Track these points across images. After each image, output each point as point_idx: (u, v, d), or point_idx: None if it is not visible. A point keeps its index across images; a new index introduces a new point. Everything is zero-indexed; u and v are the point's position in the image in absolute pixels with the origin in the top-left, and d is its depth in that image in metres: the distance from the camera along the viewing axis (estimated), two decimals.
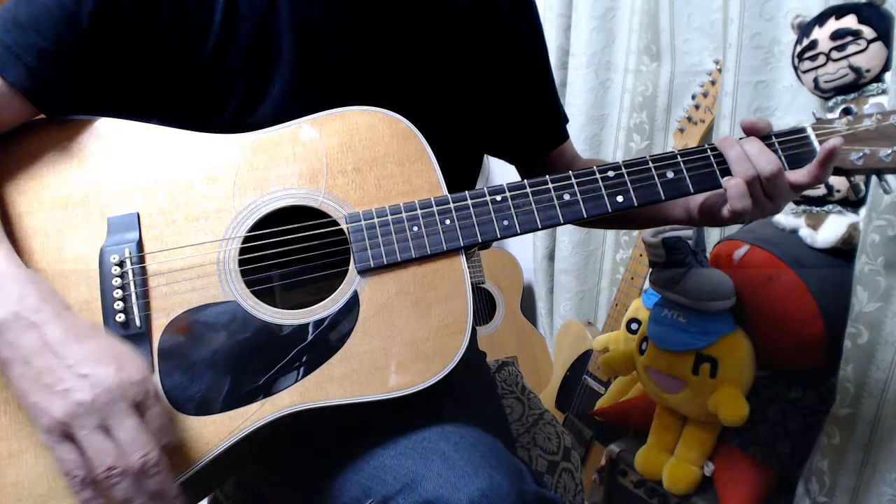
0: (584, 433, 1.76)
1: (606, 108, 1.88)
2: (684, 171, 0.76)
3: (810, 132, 0.78)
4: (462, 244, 0.71)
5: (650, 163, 0.76)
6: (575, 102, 1.89)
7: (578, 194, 0.74)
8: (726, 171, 0.76)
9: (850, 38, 1.10)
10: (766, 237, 1.19)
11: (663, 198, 0.76)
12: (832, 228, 1.14)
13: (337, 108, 0.74)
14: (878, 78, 1.11)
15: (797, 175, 0.75)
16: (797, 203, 1.21)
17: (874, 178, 0.84)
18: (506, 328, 2.25)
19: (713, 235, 1.55)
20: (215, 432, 0.64)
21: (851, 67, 1.11)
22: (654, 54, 1.72)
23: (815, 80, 1.17)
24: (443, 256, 0.71)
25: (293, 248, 0.70)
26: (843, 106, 0.96)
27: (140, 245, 0.68)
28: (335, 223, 0.71)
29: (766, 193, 0.75)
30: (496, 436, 0.72)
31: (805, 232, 1.17)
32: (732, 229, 1.37)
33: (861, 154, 0.75)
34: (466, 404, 0.83)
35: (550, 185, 0.74)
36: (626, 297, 1.70)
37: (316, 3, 0.76)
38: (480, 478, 0.62)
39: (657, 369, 1.26)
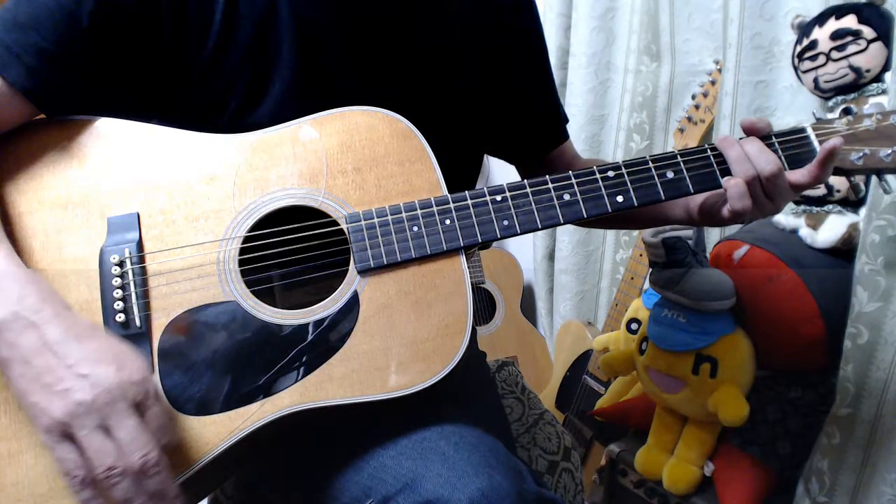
0: (584, 433, 1.76)
1: (606, 108, 1.88)
2: (684, 171, 0.76)
3: (810, 132, 0.78)
4: (462, 244, 0.71)
5: (650, 163, 0.76)
6: (575, 102, 1.89)
7: (578, 194, 0.74)
8: (726, 171, 0.76)
9: (850, 38, 1.10)
10: (766, 237, 1.19)
11: (663, 198, 0.76)
12: (832, 228, 1.13)
13: (337, 108, 0.74)
14: (878, 78, 1.11)
15: (797, 175, 0.75)
16: (797, 203, 1.21)
17: (874, 178, 0.84)
18: (506, 328, 2.24)
19: (713, 235, 1.55)
20: (215, 432, 0.64)
21: (851, 67, 1.11)
22: (654, 54, 1.72)
23: (815, 80, 1.17)
24: (443, 256, 0.71)
25: (293, 248, 0.70)
26: (843, 106, 0.96)
27: (140, 245, 0.68)
28: (335, 223, 0.71)
29: (766, 193, 0.75)
30: (496, 436, 0.72)
31: (805, 232, 1.17)
32: (732, 229, 1.37)
33: (861, 154, 0.75)
34: (466, 404, 0.83)
35: (550, 185, 0.74)
36: (626, 298, 1.70)
37: (316, 4, 0.76)
38: (480, 478, 0.62)
39: (657, 369, 1.26)
